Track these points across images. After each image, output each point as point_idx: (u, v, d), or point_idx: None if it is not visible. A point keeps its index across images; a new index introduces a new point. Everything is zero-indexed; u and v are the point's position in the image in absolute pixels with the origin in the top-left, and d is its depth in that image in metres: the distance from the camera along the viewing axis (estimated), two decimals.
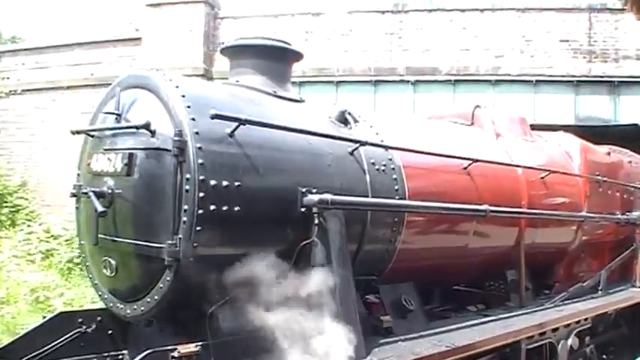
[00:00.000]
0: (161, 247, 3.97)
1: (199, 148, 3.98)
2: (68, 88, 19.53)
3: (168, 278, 4.02)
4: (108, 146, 4.45)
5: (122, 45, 19.13)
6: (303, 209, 4.41)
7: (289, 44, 5.29)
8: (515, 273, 7.09)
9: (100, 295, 4.77)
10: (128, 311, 4.42)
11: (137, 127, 4.13)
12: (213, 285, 4.02)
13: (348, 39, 17.02)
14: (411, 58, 16.66)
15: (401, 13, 17.10)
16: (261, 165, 4.27)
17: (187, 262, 3.95)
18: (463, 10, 16.71)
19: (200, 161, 3.96)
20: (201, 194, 3.93)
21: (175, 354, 3.87)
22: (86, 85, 18.95)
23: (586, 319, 7.46)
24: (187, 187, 3.94)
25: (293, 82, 5.55)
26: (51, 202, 19.05)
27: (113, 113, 4.42)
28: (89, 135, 4.80)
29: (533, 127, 8.46)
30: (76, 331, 4.87)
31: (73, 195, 4.93)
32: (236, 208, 4.07)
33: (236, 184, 4.09)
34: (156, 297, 4.13)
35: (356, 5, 17.68)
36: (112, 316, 4.90)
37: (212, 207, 3.97)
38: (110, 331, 5.00)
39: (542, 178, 7.28)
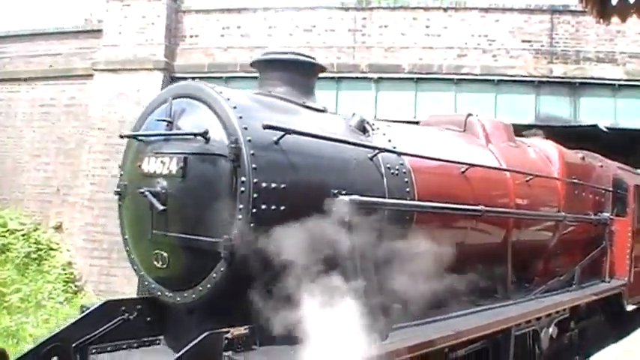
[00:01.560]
0: (217, 242, 4.50)
1: (252, 154, 4.53)
2: (26, 80, 19.35)
3: (222, 269, 4.55)
4: (160, 150, 4.92)
5: (82, 37, 19.00)
6: (335, 208, 4.95)
7: (314, 59, 5.84)
8: (502, 267, 7.75)
9: (146, 285, 5.24)
10: (178, 299, 4.91)
11: (195, 135, 4.63)
12: (260, 275, 4.56)
13: (311, 35, 17.03)
14: (374, 55, 16.75)
15: (365, 10, 17.25)
16: (301, 169, 4.87)
17: (241, 254, 4.48)
18: (427, 9, 16.87)
19: (254, 166, 4.52)
20: (255, 195, 4.51)
21: (229, 335, 4.40)
22: (45, 77, 18.85)
23: (564, 310, 8.25)
24: (242, 188, 4.50)
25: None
26: (7, 196, 18.95)
27: (165, 120, 4.91)
28: (136, 139, 5.26)
29: None
30: (119, 318, 5.33)
31: (117, 193, 5.41)
32: (282, 207, 4.65)
33: (282, 186, 4.66)
34: (208, 285, 4.65)
35: (319, 1, 17.66)
36: (150, 305, 5.40)
37: (263, 206, 4.55)
38: (148, 318, 5.48)
39: (527, 181, 7.97)
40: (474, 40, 16.47)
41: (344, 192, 5.02)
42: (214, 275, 4.61)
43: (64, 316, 13.98)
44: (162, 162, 4.85)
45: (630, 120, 15.60)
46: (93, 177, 17.30)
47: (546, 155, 9.04)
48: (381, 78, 16.50)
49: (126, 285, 14.64)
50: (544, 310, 7.67)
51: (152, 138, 5.12)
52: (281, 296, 4.63)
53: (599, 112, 15.74)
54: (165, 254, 4.89)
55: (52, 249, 17.40)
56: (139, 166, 5.09)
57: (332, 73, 15.96)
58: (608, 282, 10.24)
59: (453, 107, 15.99)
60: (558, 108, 15.95)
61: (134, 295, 8.02)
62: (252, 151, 4.53)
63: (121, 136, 5.36)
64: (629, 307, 11.04)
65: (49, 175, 18.82)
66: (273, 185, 4.60)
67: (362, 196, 5.08)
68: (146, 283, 5.25)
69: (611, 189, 10.63)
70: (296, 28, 17.13)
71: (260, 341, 4.60)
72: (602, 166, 10.79)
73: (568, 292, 8.85)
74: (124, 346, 5.28)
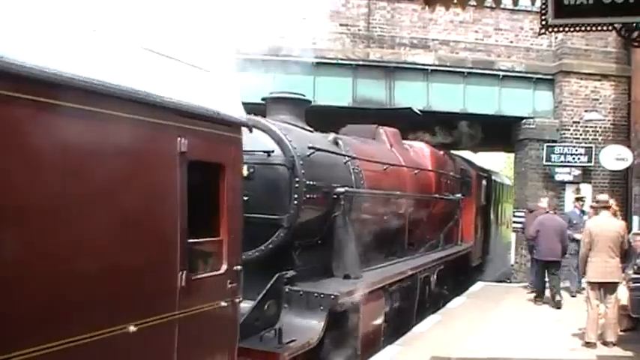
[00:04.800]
0: (281, 218, 7.44)
1: (301, 164, 7.51)
2: None
3: (281, 234, 7.48)
4: None
5: None
6: (334, 196, 8.16)
7: (304, 95, 9.02)
8: (401, 235, 11.17)
9: None
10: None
11: (266, 152, 7.42)
12: (301, 236, 7.68)
13: None
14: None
15: None
16: (320, 171, 7.91)
17: (294, 225, 7.47)
18: None
19: (302, 171, 7.50)
20: (304, 189, 7.51)
21: (288, 275, 7.36)
22: None
23: (440, 263, 12.05)
24: (297, 185, 7.48)
25: None
26: None
27: None
28: None
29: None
30: None
31: None
32: (315, 196, 7.70)
33: (314, 182, 7.69)
34: (270, 245, 7.46)
35: None
36: None
37: (307, 196, 7.58)
38: None
39: (415, 174, 11.43)
40: (292, 22, 15.66)
41: (337, 185, 8.26)
42: (275, 238, 7.47)
43: None
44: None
45: (441, 103, 16.60)
46: None
47: (422, 154, 12.70)
48: None
49: None
50: (431, 262, 11.53)
51: None
52: (312, 249, 7.90)
53: (413, 96, 16.32)
54: None
55: None
56: None
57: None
58: (460, 245, 14.30)
59: (271, 88, 14.68)
60: (375, 91, 16.15)
61: None
62: (300, 162, 7.54)
63: None
64: (474, 264, 15.81)
65: None
66: (311, 183, 7.65)
67: (343, 187, 8.34)
68: None
69: (459, 176, 14.55)
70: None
71: (300, 279, 7.59)
72: (453, 160, 14.74)
73: (438, 252, 12.71)
74: None
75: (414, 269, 10.33)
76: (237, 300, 5.53)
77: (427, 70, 16.45)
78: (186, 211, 4.73)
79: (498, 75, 16.69)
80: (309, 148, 7.70)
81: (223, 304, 5.27)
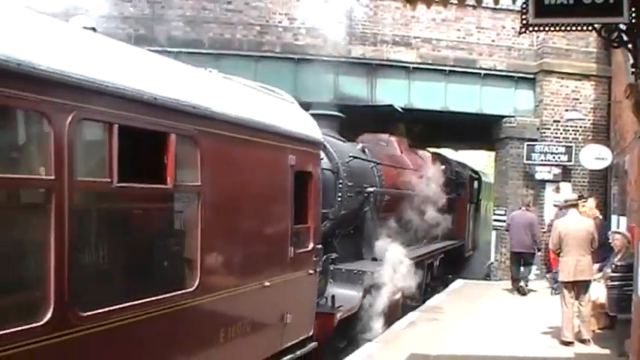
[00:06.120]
0: (327, 211, 9.26)
1: (343, 169, 9.93)
2: None
3: (328, 224, 9.47)
4: None
5: None
6: (365, 194, 10.78)
7: (337, 111, 11.51)
8: (411, 227, 13.08)
9: None
10: None
11: None
12: (341, 226, 10.17)
13: (107, 2, 14.99)
14: (174, 29, 15.79)
15: None
16: (355, 175, 10.39)
17: (337, 217, 9.77)
18: None
19: (345, 174, 9.93)
20: (346, 189, 9.96)
21: (332, 256, 9.23)
22: None
23: (440, 252, 14.39)
24: (340, 186, 9.82)
25: None
26: None
27: None
28: None
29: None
30: None
31: None
32: (352, 194, 10.23)
33: (351, 184, 10.14)
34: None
35: None
36: None
37: (349, 194, 10.06)
38: None
39: (421, 176, 13.65)
40: (274, 18, 16.31)
41: (367, 185, 10.86)
42: (323, 228, 8.80)
43: None
44: None
45: (423, 101, 16.72)
46: None
47: (425, 158, 15.29)
48: (180, 52, 14.31)
49: None
50: (434, 251, 14.29)
51: None
52: (347, 237, 10.63)
53: (395, 93, 16.32)
54: None
55: None
56: None
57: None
58: (456, 238, 16.85)
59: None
60: (356, 88, 16.19)
61: None
62: (343, 168, 9.95)
63: None
64: (466, 255, 19.00)
65: None
66: (351, 184, 10.11)
67: (372, 187, 11.04)
68: None
69: (454, 178, 16.63)
70: None
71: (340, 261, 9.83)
72: (449, 163, 17.32)
73: (438, 243, 14.85)
74: None
75: (421, 256, 12.61)
76: (318, 270, 7.75)
77: (409, 67, 16.53)
78: (293, 205, 6.90)
79: (480, 73, 16.79)
80: (350, 156, 10.26)
81: (310, 271, 7.48)
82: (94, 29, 4.72)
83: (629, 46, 6.26)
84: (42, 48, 3.72)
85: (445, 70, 16.64)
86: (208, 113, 5.23)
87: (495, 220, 17.78)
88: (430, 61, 16.59)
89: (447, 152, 20.82)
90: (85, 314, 3.88)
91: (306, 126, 7.51)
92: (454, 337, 9.84)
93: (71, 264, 3.76)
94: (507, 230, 14.72)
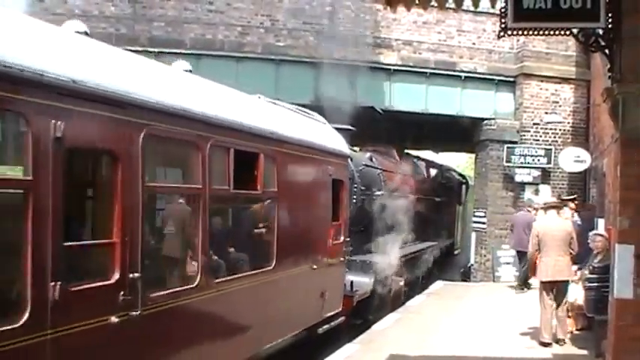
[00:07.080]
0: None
1: (358, 176, 11.85)
2: None
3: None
4: None
5: None
6: (374, 197, 12.64)
7: (350, 126, 11.89)
8: (410, 227, 14.16)
9: None
10: None
11: None
12: (354, 224, 11.27)
13: (88, 3, 15.73)
14: (155, 29, 15.92)
15: None
16: (367, 180, 12.37)
17: (353, 216, 11.09)
18: None
19: (359, 180, 11.90)
20: (360, 192, 11.98)
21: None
22: None
23: (434, 249, 15.97)
24: (355, 189, 11.66)
25: None
26: None
27: None
28: None
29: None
30: None
31: None
32: (364, 197, 12.24)
33: (364, 188, 12.17)
34: None
35: None
36: None
37: (363, 197, 12.16)
38: None
39: (418, 181, 15.18)
40: (256, 19, 16.37)
41: (375, 189, 12.70)
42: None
43: None
44: None
45: (403, 103, 16.93)
46: None
47: (420, 165, 16.74)
48: (161, 52, 14.83)
49: None
50: (428, 248, 16.34)
51: None
52: (358, 234, 11.78)
53: (376, 95, 16.40)
54: None
55: None
56: None
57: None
58: (447, 237, 19.04)
59: (234, 84, 14.05)
60: (337, 88, 15.43)
61: None
62: (357, 175, 11.75)
63: None
64: (456, 252, 20.89)
65: None
66: (364, 188, 12.02)
67: (379, 190, 12.89)
68: None
69: (445, 182, 18.61)
70: None
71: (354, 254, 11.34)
72: (440, 167, 19.34)
73: (432, 241, 16.52)
74: None
75: (419, 251, 15.01)
76: (346, 258, 10.14)
77: (390, 69, 16.67)
78: (331, 206, 9.30)
79: (460, 76, 16.93)
80: (362, 164, 12.30)
81: (341, 259, 9.83)
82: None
83: (606, 50, 6.33)
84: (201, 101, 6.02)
85: (426, 73, 16.77)
86: (282, 137, 7.43)
87: (475, 221, 17.89)
88: (411, 64, 16.76)
89: (427, 154, 21.20)
90: (216, 281, 6.02)
91: (337, 142, 9.81)
92: (434, 338, 9.87)
93: (209, 246, 5.89)
94: (511, 230, 15.23)
